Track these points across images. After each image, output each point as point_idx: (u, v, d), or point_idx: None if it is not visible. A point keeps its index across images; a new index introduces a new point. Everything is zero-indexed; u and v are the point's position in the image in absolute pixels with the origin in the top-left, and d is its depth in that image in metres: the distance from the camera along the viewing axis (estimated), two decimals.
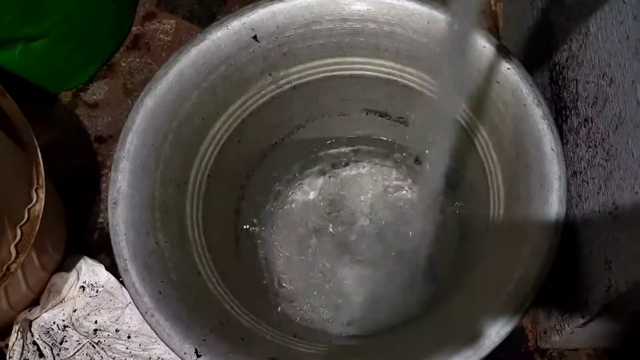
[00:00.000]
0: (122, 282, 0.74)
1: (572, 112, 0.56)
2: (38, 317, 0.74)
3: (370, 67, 0.66)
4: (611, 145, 0.48)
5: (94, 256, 0.78)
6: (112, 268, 0.76)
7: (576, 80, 0.55)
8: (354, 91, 0.70)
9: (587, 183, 0.53)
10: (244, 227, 0.74)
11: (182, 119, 0.60)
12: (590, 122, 0.52)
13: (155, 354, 0.73)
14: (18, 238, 0.65)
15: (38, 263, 0.70)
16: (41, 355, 0.73)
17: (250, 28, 0.61)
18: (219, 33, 0.60)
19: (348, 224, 0.77)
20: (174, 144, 0.59)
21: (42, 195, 0.67)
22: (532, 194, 0.53)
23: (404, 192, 0.78)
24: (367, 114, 0.75)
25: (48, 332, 0.74)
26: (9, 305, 0.70)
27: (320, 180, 0.79)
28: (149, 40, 0.93)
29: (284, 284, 0.74)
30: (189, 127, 0.61)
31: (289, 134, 0.75)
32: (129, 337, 0.74)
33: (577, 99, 0.55)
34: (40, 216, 0.66)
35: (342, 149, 0.80)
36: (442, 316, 0.58)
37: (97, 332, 0.74)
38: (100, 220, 0.82)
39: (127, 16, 0.94)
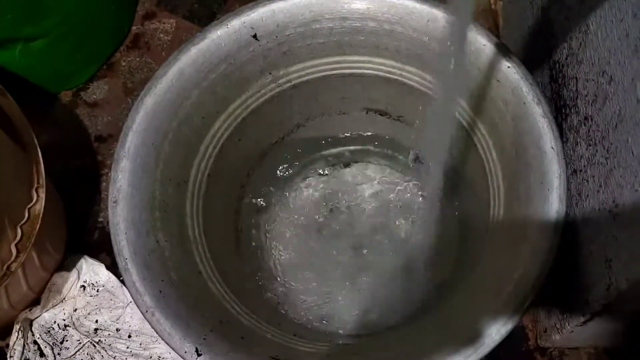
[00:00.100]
0: (122, 282, 0.74)
1: (572, 110, 0.56)
2: (39, 316, 0.74)
3: (370, 65, 0.66)
4: (611, 143, 0.48)
5: (94, 255, 0.78)
6: (113, 267, 0.77)
7: (576, 78, 0.55)
8: (354, 90, 0.70)
9: (587, 181, 0.53)
10: (244, 226, 0.74)
11: (182, 118, 0.60)
12: (590, 120, 0.52)
13: (156, 353, 0.73)
14: (18, 237, 0.65)
15: (38, 262, 0.70)
16: (42, 354, 0.73)
17: (250, 27, 0.61)
18: (218, 32, 0.60)
19: (348, 223, 0.77)
20: (174, 143, 0.59)
21: (43, 195, 0.67)
22: (532, 192, 0.53)
23: (404, 191, 0.78)
24: (367, 112, 0.75)
25: (49, 331, 0.74)
26: (9, 305, 0.70)
27: (320, 180, 0.79)
28: (149, 40, 0.93)
29: (284, 283, 0.74)
30: (189, 126, 0.61)
31: (289, 132, 0.75)
32: (129, 336, 0.74)
33: (577, 97, 0.55)
34: (41, 215, 0.66)
35: (342, 148, 0.80)
36: (442, 316, 0.58)
37: (98, 331, 0.74)
38: (100, 219, 0.82)
39: (127, 16, 0.94)
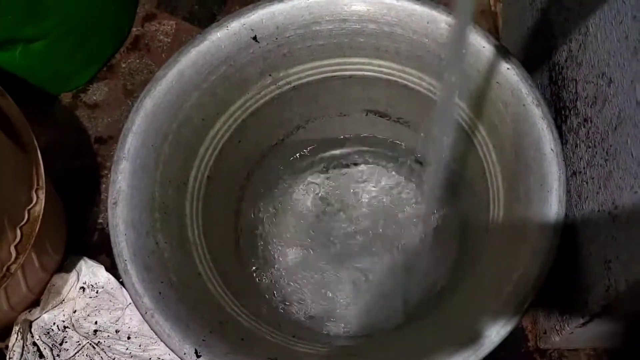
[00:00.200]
0: (122, 283, 0.74)
1: (572, 112, 0.56)
2: (38, 317, 0.74)
3: (370, 67, 0.66)
4: (610, 145, 0.48)
5: (94, 257, 0.78)
6: (112, 269, 0.77)
7: (575, 80, 0.55)
8: (353, 92, 0.70)
9: (587, 183, 0.53)
10: (244, 227, 0.74)
11: (182, 119, 0.60)
12: (589, 122, 0.52)
13: (155, 354, 0.73)
14: (18, 239, 0.65)
15: (38, 264, 0.70)
16: (41, 356, 0.73)
17: (250, 29, 0.61)
18: (218, 34, 0.60)
19: (348, 225, 0.77)
20: (173, 145, 0.59)
21: (42, 196, 0.67)
22: (532, 194, 0.53)
23: (404, 192, 0.78)
24: (367, 114, 0.75)
25: (48, 332, 0.74)
26: (9, 306, 0.70)
27: (320, 181, 0.80)
28: (149, 41, 0.93)
29: (283, 285, 0.74)
30: (188, 127, 0.61)
31: (289, 134, 0.75)
32: (129, 337, 0.74)
33: (577, 99, 0.55)
34: (40, 217, 0.66)
35: (342, 150, 0.80)
36: (442, 316, 0.58)
37: (97, 332, 0.74)
38: (100, 220, 0.82)
39: (127, 17, 0.94)
